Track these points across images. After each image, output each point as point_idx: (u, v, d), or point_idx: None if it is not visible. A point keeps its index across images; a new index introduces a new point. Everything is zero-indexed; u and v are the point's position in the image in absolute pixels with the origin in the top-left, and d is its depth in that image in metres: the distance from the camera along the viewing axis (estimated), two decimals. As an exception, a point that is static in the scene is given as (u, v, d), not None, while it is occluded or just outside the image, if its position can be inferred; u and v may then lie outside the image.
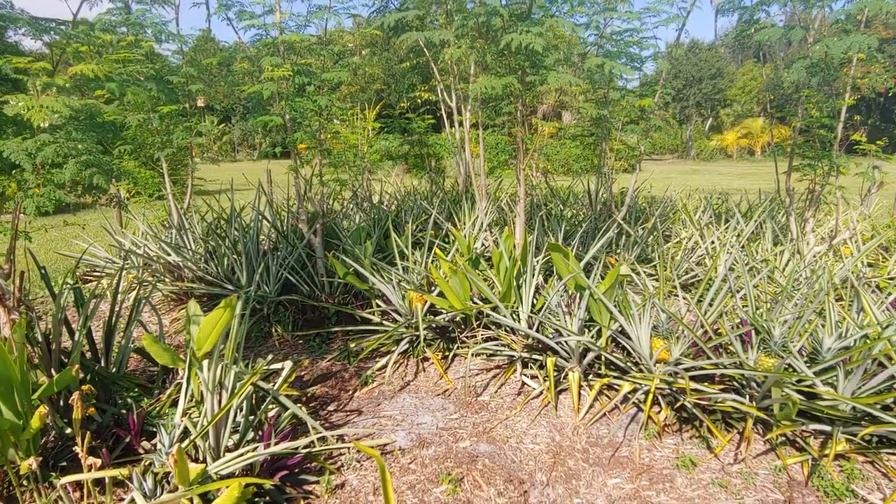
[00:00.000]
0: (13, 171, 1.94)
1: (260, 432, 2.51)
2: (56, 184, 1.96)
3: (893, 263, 4.71)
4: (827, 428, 2.64)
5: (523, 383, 3.41)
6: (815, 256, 4.76)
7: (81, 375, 2.81)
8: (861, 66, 4.62)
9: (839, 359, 2.69)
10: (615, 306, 3.25)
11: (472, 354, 3.74)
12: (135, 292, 4.77)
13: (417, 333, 3.75)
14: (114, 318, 3.07)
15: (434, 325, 3.90)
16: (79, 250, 6.41)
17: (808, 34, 4.22)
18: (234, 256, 4.66)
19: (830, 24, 4.55)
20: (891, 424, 2.48)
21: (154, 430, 2.65)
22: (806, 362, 2.96)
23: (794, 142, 4.92)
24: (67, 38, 2.42)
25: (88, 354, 3.06)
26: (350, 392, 3.39)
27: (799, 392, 2.76)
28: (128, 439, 2.51)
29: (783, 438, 2.77)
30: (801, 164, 4.78)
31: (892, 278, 4.39)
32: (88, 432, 2.11)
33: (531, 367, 3.52)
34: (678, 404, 2.93)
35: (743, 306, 3.50)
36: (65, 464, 2.42)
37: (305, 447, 2.58)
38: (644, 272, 4.23)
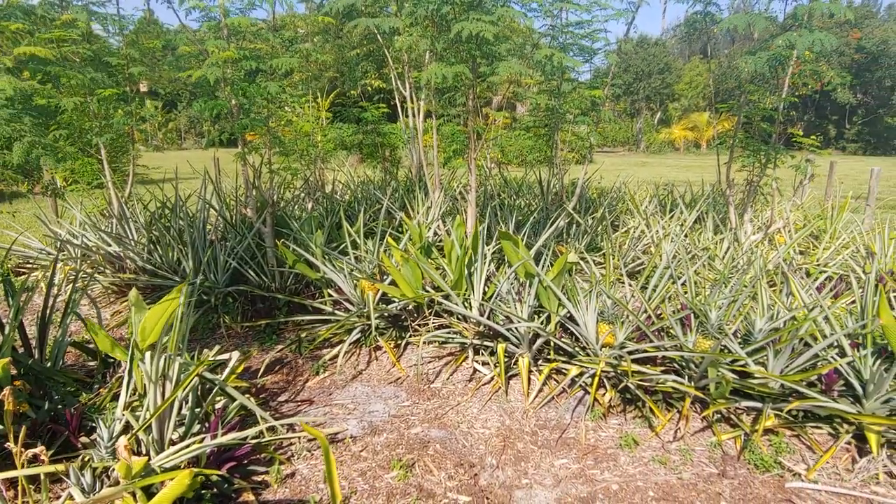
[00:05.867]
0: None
1: (206, 424, 2.46)
2: (4, 165, 1.85)
3: (822, 251, 5.01)
4: (758, 405, 2.80)
5: (475, 370, 3.46)
6: (752, 244, 5.00)
7: (14, 371, 2.68)
8: (797, 65, 4.87)
9: (769, 339, 2.86)
10: (563, 293, 3.34)
11: (425, 342, 3.77)
12: (72, 284, 4.57)
13: (369, 322, 3.74)
14: (48, 311, 2.93)
15: (386, 314, 3.90)
16: (10, 241, 6.05)
17: (753, 29, 4.41)
18: (180, 247, 4.52)
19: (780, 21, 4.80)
20: (814, 399, 2.65)
21: (94, 425, 2.55)
22: (740, 343, 3.12)
23: (735, 133, 5.14)
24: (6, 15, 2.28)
25: (21, 350, 2.91)
26: (301, 382, 3.36)
27: (733, 371, 2.92)
28: (65, 435, 2.42)
29: (719, 416, 2.93)
30: (742, 156, 5.00)
31: (820, 265, 4.67)
32: (24, 428, 2.01)
33: (482, 354, 3.57)
34: (622, 386, 3.05)
35: (684, 292, 3.66)
36: (-5, 463, 2.31)
37: (254, 437, 2.54)
38: (593, 260, 4.35)
